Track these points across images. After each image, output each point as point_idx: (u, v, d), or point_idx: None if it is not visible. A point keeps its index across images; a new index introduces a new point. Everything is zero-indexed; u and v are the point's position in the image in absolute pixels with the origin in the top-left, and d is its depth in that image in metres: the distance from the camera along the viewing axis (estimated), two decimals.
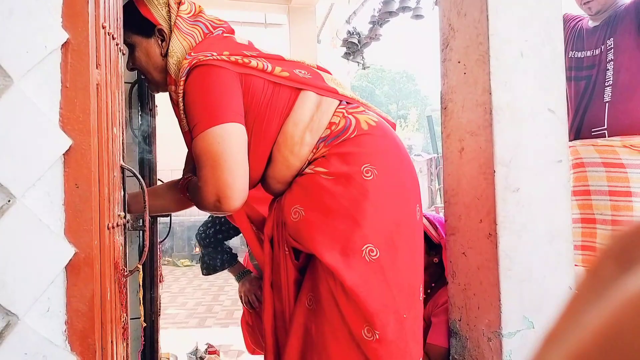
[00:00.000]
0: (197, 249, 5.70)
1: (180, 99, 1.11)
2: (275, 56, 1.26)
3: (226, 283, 4.57)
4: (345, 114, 1.23)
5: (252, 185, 1.20)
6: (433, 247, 1.65)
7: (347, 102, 1.28)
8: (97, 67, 0.79)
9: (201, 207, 1.12)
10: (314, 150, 1.21)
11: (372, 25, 4.21)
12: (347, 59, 4.92)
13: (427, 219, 1.70)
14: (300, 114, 1.19)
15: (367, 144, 1.20)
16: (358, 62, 4.89)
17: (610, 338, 0.16)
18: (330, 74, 1.36)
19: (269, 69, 1.17)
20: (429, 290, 1.67)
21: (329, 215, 1.11)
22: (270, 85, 1.17)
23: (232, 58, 1.11)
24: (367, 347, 1.09)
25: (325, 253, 1.07)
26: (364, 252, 1.09)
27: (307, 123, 1.19)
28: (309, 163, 1.22)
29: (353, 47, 4.64)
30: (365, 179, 1.15)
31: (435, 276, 1.68)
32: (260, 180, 1.27)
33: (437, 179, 4.28)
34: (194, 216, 6.00)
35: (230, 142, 1.05)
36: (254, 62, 1.15)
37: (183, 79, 1.09)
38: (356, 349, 1.11)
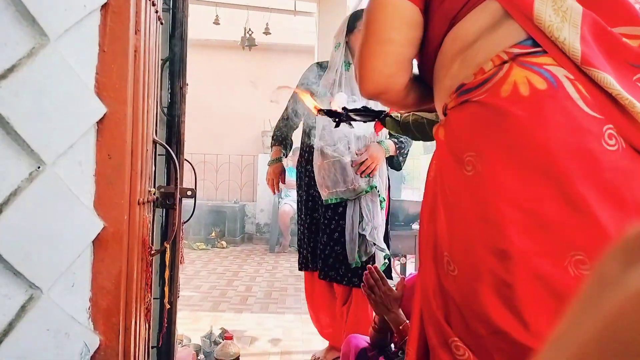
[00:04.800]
0: (214, 234, 5.71)
1: None
2: None
3: (240, 269, 4.56)
4: (507, 59, 0.73)
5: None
6: None
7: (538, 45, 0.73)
8: (135, 33, 0.75)
9: None
10: (450, 96, 0.80)
11: None
12: None
13: None
14: (464, 28, 0.79)
15: (485, 124, 0.73)
16: None
17: (613, 335, 0.17)
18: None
19: None
20: None
21: None
22: None
23: None
24: None
25: None
26: None
27: (464, 47, 0.79)
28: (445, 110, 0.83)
29: None
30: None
31: None
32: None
33: None
34: (211, 200, 6.02)
35: (385, 13, 0.83)
36: None
37: None
38: None
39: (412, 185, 5.52)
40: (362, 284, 1.65)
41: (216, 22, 4.72)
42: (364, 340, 1.75)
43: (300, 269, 2.35)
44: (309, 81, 2.32)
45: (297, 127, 2.47)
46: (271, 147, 2.47)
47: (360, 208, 2.12)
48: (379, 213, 2.16)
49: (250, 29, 4.96)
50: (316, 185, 2.16)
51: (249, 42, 4.96)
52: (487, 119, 0.73)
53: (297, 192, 2.36)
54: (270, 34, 4.93)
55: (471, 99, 0.75)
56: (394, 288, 1.60)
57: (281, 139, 2.42)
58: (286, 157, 2.54)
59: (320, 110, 1.19)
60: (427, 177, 0.89)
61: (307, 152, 2.27)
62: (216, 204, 5.97)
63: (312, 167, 2.20)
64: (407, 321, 1.56)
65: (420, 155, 5.40)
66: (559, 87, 0.70)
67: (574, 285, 0.65)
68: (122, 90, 0.71)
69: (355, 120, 1.20)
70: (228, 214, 5.94)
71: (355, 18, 2.25)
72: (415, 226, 2.67)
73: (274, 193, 2.51)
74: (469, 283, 0.71)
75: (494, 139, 0.72)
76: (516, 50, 0.73)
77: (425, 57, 0.89)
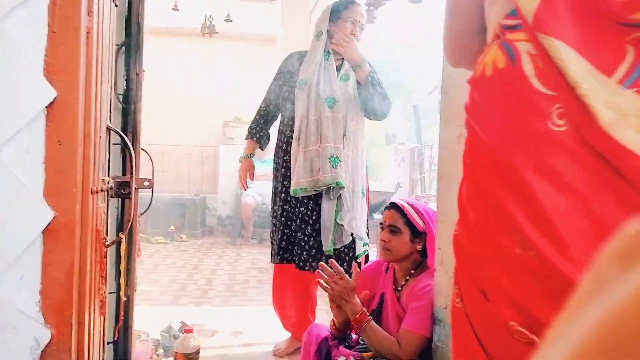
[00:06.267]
0: (173, 227, 5.58)
1: None
2: None
3: (201, 262, 4.49)
4: (498, 33, 0.73)
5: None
6: (417, 235, 1.63)
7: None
8: (88, 14, 0.71)
9: None
10: None
11: (367, 7, 4.14)
12: None
13: (412, 206, 1.68)
14: None
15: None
16: None
17: (613, 335, 0.17)
18: None
19: None
20: (407, 277, 1.66)
21: None
22: None
23: None
24: None
25: None
26: None
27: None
28: None
29: None
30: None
31: (416, 263, 1.67)
32: None
33: (419, 169, 4.28)
34: (170, 193, 5.87)
35: None
36: None
37: None
38: None
39: (375, 176, 5.59)
40: (317, 279, 1.66)
41: (175, 9, 4.58)
42: (325, 330, 1.77)
43: (273, 261, 2.27)
44: (286, 72, 2.28)
45: (275, 119, 2.41)
46: (246, 140, 2.41)
47: (339, 198, 2.12)
48: (358, 202, 2.18)
49: (210, 16, 4.85)
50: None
51: (209, 30, 4.85)
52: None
53: (273, 183, 2.31)
54: (231, 21, 4.83)
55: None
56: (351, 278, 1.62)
57: (255, 132, 2.36)
58: (263, 150, 2.50)
59: None
60: None
61: (285, 143, 2.22)
62: (175, 197, 5.83)
63: (290, 157, 2.16)
64: (364, 309, 1.58)
65: (383, 145, 5.47)
66: (516, 64, 0.67)
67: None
68: (73, 73, 0.67)
69: None
70: (188, 206, 5.82)
71: (339, 7, 2.21)
72: (377, 216, 2.71)
73: (244, 189, 2.49)
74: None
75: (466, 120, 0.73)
76: (504, 22, 0.70)
77: None
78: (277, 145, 2.28)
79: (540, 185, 0.65)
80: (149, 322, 2.49)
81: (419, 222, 1.64)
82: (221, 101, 6.28)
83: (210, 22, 4.81)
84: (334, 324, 1.70)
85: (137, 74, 1.46)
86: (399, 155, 4.73)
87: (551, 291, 0.67)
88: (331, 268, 1.62)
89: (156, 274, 3.94)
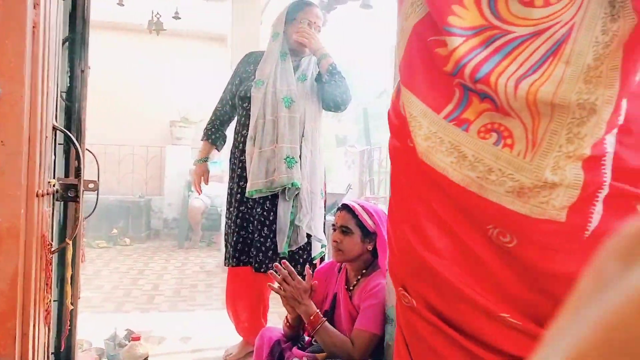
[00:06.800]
0: (116, 230, 5.35)
1: None
2: None
3: (146, 267, 4.33)
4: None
5: None
6: (368, 235, 1.67)
7: None
8: (34, 7, 0.67)
9: None
10: None
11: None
12: None
13: (363, 207, 1.71)
14: None
15: None
16: None
17: (613, 334, 0.17)
18: None
19: None
20: (359, 277, 1.69)
21: None
22: None
23: None
24: None
25: None
26: None
27: None
28: None
29: None
30: None
31: (368, 263, 1.70)
32: None
33: (368, 170, 4.36)
34: (113, 195, 5.62)
35: None
36: None
37: None
38: None
39: (326, 178, 5.62)
40: (269, 282, 1.65)
41: (120, 4, 4.39)
42: (277, 333, 1.76)
43: (227, 264, 2.19)
44: (243, 71, 2.25)
45: (232, 120, 2.36)
46: (201, 141, 2.35)
47: (297, 199, 2.10)
48: (317, 204, 2.17)
49: (158, 13, 4.69)
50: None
51: (156, 27, 4.68)
52: None
53: (228, 184, 2.25)
54: (180, 18, 4.70)
55: None
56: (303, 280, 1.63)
57: (211, 134, 2.31)
58: (219, 151, 2.45)
59: None
60: None
61: (241, 143, 2.18)
62: (118, 199, 5.58)
63: (246, 158, 2.12)
64: (318, 311, 1.60)
65: (334, 147, 5.53)
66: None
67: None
68: (18, 69, 0.63)
69: None
70: (132, 209, 5.59)
71: (295, 8, 2.20)
72: (329, 217, 2.73)
73: (199, 194, 2.42)
74: None
75: None
76: None
77: None
78: (234, 146, 2.24)
79: (398, 195, 0.98)
80: (91, 330, 2.37)
81: (369, 223, 1.67)
82: (169, 100, 6.09)
83: (158, 18, 4.65)
84: (287, 320, 1.69)
85: (82, 71, 1.39)
86: (349, 158, 4.80)
87: (424, 277, 0.91)
88: (284, 269, 1.62)
89: (98, 280, 3.76)
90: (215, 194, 5.01)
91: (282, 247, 2.07)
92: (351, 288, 1.71)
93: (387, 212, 1.64)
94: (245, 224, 2.14)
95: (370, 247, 1.68)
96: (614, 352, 0.16)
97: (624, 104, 0.72)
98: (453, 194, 0.84)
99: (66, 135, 0.84)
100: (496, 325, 0.84)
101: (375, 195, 4.02)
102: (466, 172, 0.80)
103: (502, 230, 0.80)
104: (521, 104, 0.74)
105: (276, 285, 1.65)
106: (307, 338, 1.73)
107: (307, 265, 1.76)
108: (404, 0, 0.93)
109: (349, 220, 1.68)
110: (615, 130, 0.72)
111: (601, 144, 0.72)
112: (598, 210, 0.72)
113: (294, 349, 1.67)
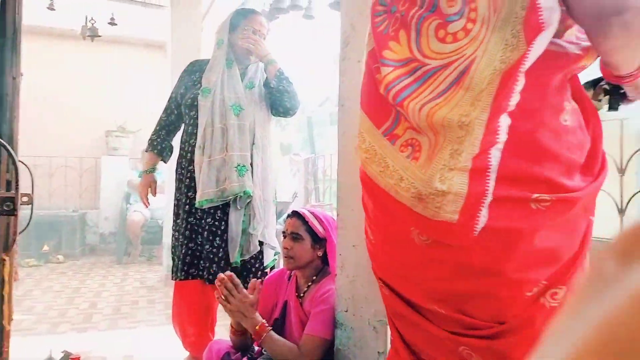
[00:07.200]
0: (47, 247, 5.01)
1: None
2: None
3: (82, 284, 4.10)
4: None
5: None
6: (318, 241, 1.69)
7: None
8: None
9: None
10: None
11: None
12: None
13: (313, 214, 1.74)
14: None
15: None
16: None
17: (613, 334, 0.17)
18: None
19: None
20: (310, 283, 1.71)
21: None
22: None
23: None
24: None
25: None
26: None
27: None
28: None
29: None
30: None
31: (318, 269, 1.72)
32: None
33: (313, 178, 4.40)
34: (44, 209, 5.26)
35: None
36: None
37: None
38: None
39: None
40: (216, 294, 1.61)
41: (50, 8, 4.16)
42: (226, 345, 1.74)
43: (175, 278, 2.11)
44: (188, 79, 2.20)
45: (178, 129, 2.30)
46: (146, 152, 2.28)
47: (249, 207, 2.07)
48: (270, 211, 2.15)
49: (92, 18, 4.49)
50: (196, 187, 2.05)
51: (90, 32, 4.48)
52: None
53: (175, 195, 2.19)
54: (116, 25, 4.53)
55: None
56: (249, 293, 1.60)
57: (157, 144, 2.24)
58: (166, 163, 2.37)
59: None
60: None
61: (189, 153, 2.12)
62: (50, 214, 5.24)
63: (195, 167, 2.07)
64: (263, 321, 1.58)
65: (279, 155, 5.54)
66: None
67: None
68: None
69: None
70: (65, 224, 5.28)
71: (239, 16, 2.19)
72: (279, 226, 2.73)
73: (146, 206, 2.35)
74: None
75: None
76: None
77: None
78: (180, 156, 2.18)
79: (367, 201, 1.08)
80: (22, 354, 2.21)
81: (319, 229, 1.70)
82: (104, 109, 5.83)
83: (92, 24, 4.46)
84: (232, 327, 1.67)
85: (14, 78, 1.31)
86: (294, 166, 4.82)
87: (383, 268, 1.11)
88: (230, 282, 1.58)
89: (29, 301, 3.51)
90: (156, 206, 4.84)
91: (235, 256, 2.04)
92: (302, 295, 1.72)
93: (335, 219, 1.68)
94: (194, 236, 2.09)
95: (320, 253, 1.70)
96: (614, 352, 0.16)
97: (503, 123, 0.83)
98: (381, 198, 0.99)
99: (4, 147, 0.79)
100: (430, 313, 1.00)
101: (320, 203, 4.06)
102: (387, 179, 0.95)
103: (420, 230, 0.94)
104: (424, 124, 0.88)
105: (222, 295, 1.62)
106: (257, 348, 1.72)
107: (255, 279, 1.74)
108: (367, 32, 1.10)
109: (299, 226, 1.70)
110: (500, 146, 0.83)
111: (485, 158, 0.84)
112: (484, 214, 0.84)
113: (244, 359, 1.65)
